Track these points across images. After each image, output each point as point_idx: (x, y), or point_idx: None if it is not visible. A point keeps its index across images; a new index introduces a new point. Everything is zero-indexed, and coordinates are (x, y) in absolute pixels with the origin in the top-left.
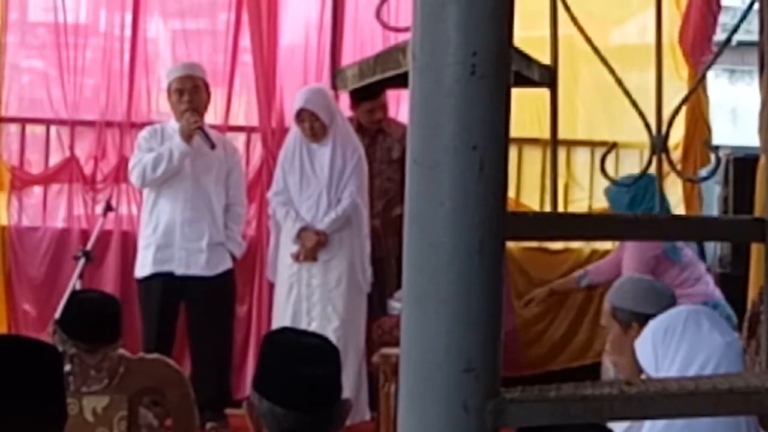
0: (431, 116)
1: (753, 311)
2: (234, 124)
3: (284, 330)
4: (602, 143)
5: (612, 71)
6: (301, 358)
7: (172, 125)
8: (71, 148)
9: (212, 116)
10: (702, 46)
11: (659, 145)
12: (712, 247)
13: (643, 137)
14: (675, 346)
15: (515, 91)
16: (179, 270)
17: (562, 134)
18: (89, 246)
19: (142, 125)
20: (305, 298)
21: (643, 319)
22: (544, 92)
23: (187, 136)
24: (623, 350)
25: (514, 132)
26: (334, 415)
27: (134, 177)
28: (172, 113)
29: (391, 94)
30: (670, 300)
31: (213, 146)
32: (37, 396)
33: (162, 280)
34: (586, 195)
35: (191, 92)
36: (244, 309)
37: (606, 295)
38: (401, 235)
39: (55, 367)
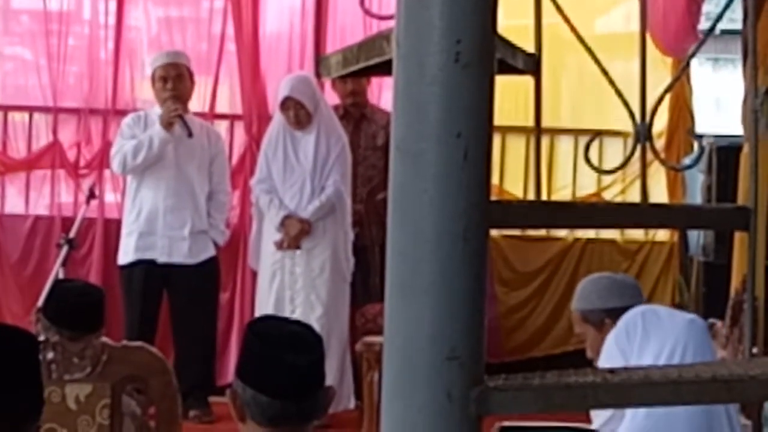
0: (415, 104)
1: (736, 299)
2: (217, 112)
3: (267, 318)
4: (586, 131)
5: (596, 60)
6: (284, 346)
7: (156, 112)
8: (54, 134)
9: (197, 104)
10: (686, 35)
11: (643, 133)
12: (696, 236)
13: (627, 125)
14: (640, 342)
15: (499, 79)
16: (162, 258)
17: (546, 122)
18: (72, 233)
19: (125, 113)
20: (288, 286)
21: (615, 314)
22: (528, 80)
23: (166, 124)
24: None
25: (498, 120)
26: (317, 403)
27: (115, 164)
28: (156, 100)
29: (374, 81)
30: (633, 289)
31: (190, 134)
32: (13, 382)
33: (144, 267)
34: (570, 183)
35: (175, 80)
36: (226, 296)
37: (571, 305)
38: (385, 222)
39: (31, 353)
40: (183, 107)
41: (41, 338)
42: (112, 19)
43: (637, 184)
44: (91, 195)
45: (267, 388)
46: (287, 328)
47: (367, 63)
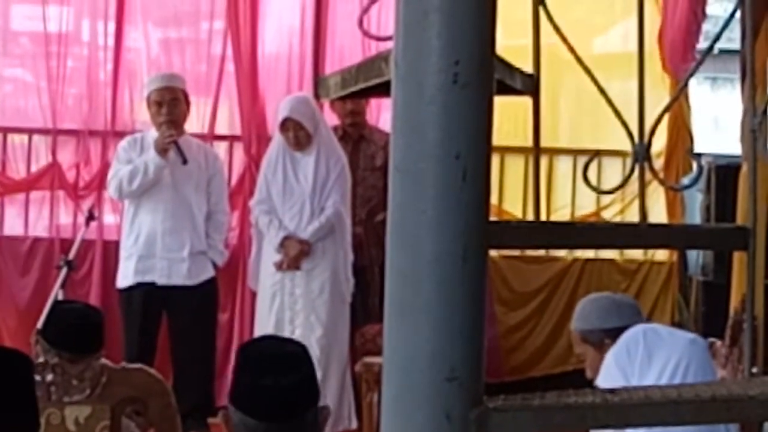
0: (414, 124)
1: (735, 319)
2: (217, 133)
3: (258, 340)
4: (585, 151)
5: (594, 80)
6: (264, 368)
7: (153, 134)
8: (53, 155)
9: (197, 125)
10: (685, 54)
11: (642, 153)
12: (695, 255)
13: (626, 145)
14: (642, 360)
15: (498, 100)
16: (161, 280)
17: (544, 142)
18: (71, 255)
19: (124, 134)
20: (288, 307)
21: (614, 333)
22: (527, 101)
23: (161, 150)
24: None
25: (497, 140)
26: (305, 424)
27: (111, 189)
28: (152, 123)
29: (373, 102)
30: (632, 308)
31: (185, 161)
32: (8, 404)
33: (144, 290)
34: (569, 203)
35: (170, 104)
36: (225, 317)
37: (571, 325)
38: (384, 243)
39: (26, 374)
40: (178, 132)
41: (40, 360)
42: (111, 41)
43: (636, 203)
44: (91, 216)
45: (252, 411)
46: (269, 350)
47: (365, 84)
